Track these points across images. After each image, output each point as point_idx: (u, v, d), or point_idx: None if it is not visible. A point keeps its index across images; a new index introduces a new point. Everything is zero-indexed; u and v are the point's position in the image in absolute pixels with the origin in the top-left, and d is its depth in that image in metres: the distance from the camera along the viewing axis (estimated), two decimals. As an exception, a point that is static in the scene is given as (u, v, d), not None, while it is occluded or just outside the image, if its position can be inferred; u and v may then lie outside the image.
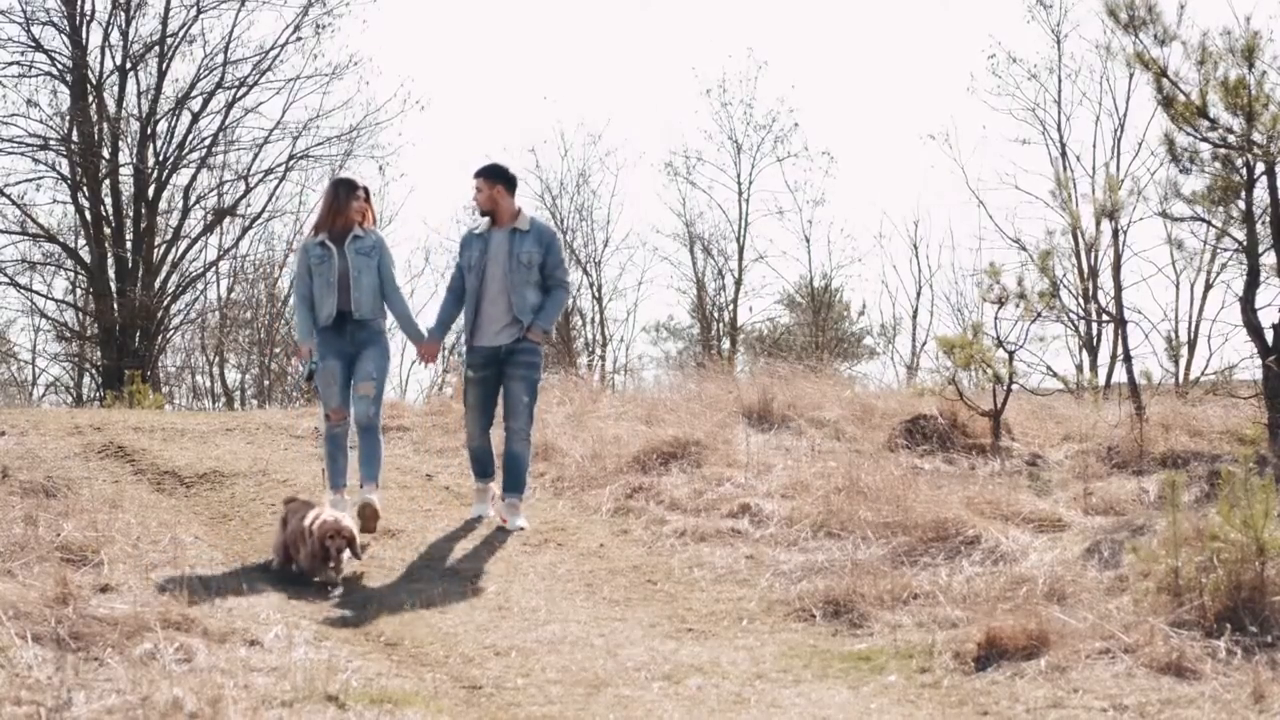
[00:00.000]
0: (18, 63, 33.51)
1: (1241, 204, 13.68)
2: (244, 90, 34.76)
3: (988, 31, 63.23)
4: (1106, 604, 8.77)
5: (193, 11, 34.58)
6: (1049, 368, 17.20)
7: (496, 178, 12.25)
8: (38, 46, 33.41)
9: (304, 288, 12.03)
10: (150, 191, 34.13)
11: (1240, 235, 13.85)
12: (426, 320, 12.65)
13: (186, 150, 34.52)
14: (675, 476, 13.43)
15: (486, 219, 12.34)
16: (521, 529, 12.01)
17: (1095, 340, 33.69)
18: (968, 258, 57.99)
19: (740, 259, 42.00)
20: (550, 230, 12.58)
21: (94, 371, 36.01)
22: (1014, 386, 15.56)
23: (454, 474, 14.46)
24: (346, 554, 10.45)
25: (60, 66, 33.61)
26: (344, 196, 11.97)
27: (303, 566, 10.52)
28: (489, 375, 12.23)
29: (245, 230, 36.56)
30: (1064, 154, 35.81)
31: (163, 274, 34.73)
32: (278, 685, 7.44)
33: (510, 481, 12.28)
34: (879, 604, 9.47)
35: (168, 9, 34.34)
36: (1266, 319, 13.38)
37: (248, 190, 35.38)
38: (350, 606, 9.95)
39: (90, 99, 33.66)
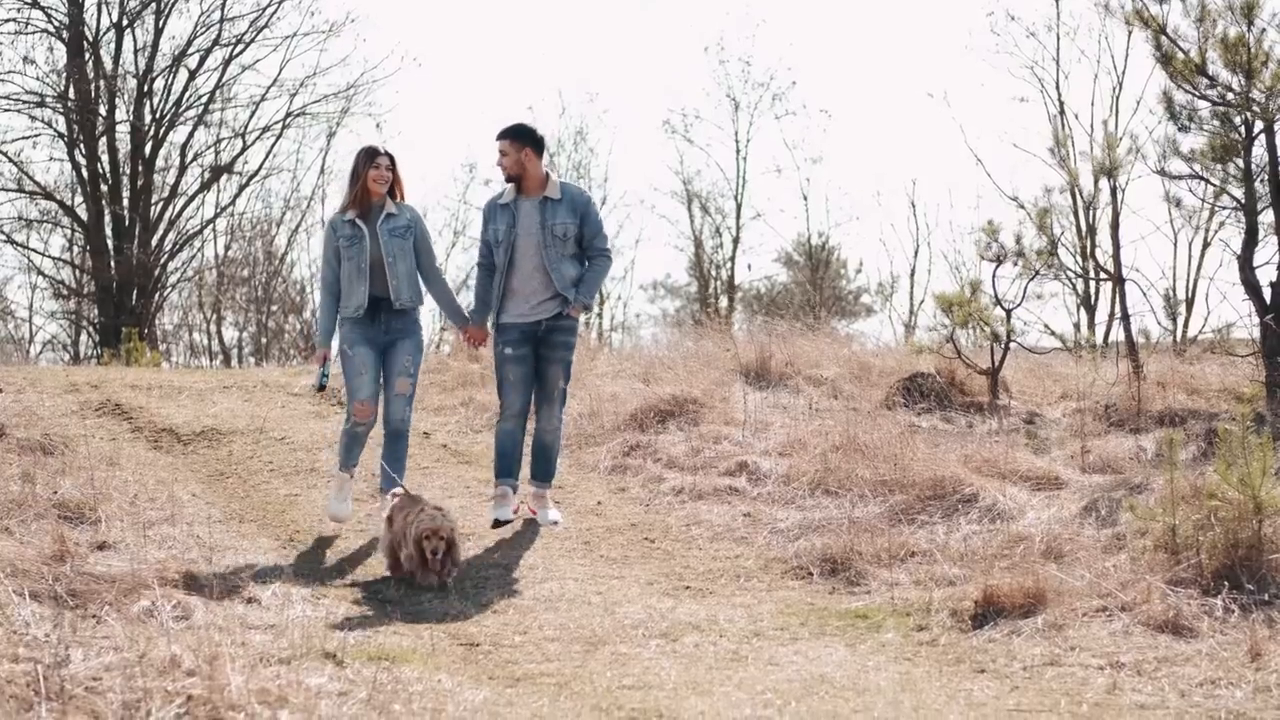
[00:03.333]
0: (14, 19, 33.36)
1: (1240, 162, 13.68)
2: (241, 47, 34.60)
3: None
4: (1104, 562, 8.78)
5: (190, -33, 34.49)
6: (1047, 326, 17.26)
7: (525, 139, 10.87)
8: (34, 3, 33.22)
9: (330, 274, 10.87)
10: (147, 149, 34.01)
11: (1238, 193, 13.84)
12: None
13: (183, 107, 34.39)
14: (673, 434, 13.44)
15: (511, 186, 10.97)
16: (555, 524, 11.02)
17: (1093, 298, 33.73)
18: (966, 216, 58.04)
19: (738, 217, 42.11)
20: (584, 196, 11.16)
21: (91, 329, 35.94)
22: (1012, 345, 15.60)
23: (451, 432, 14.47)
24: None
25: (57, 23, 33.47)
26: (360, 166, 10.80)
27: (405, 570, 9.55)
28: (527, 352, 10.92)
29: (242, 188, 36.51)
30: (1062, 112, 35.82)
31: (160, 231, 34.63)
32: (275, 643, 7.45)
33: (541, 469, 11.20)
34: (876, 562, 9.49)
35: (165, -35, 34.23)
36: (1264, 277, 13.39)
37: (245, 148, 35.28)
38: (347, 565, 9.96)
39: (87, 56, 33.51)
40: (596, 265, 11.04)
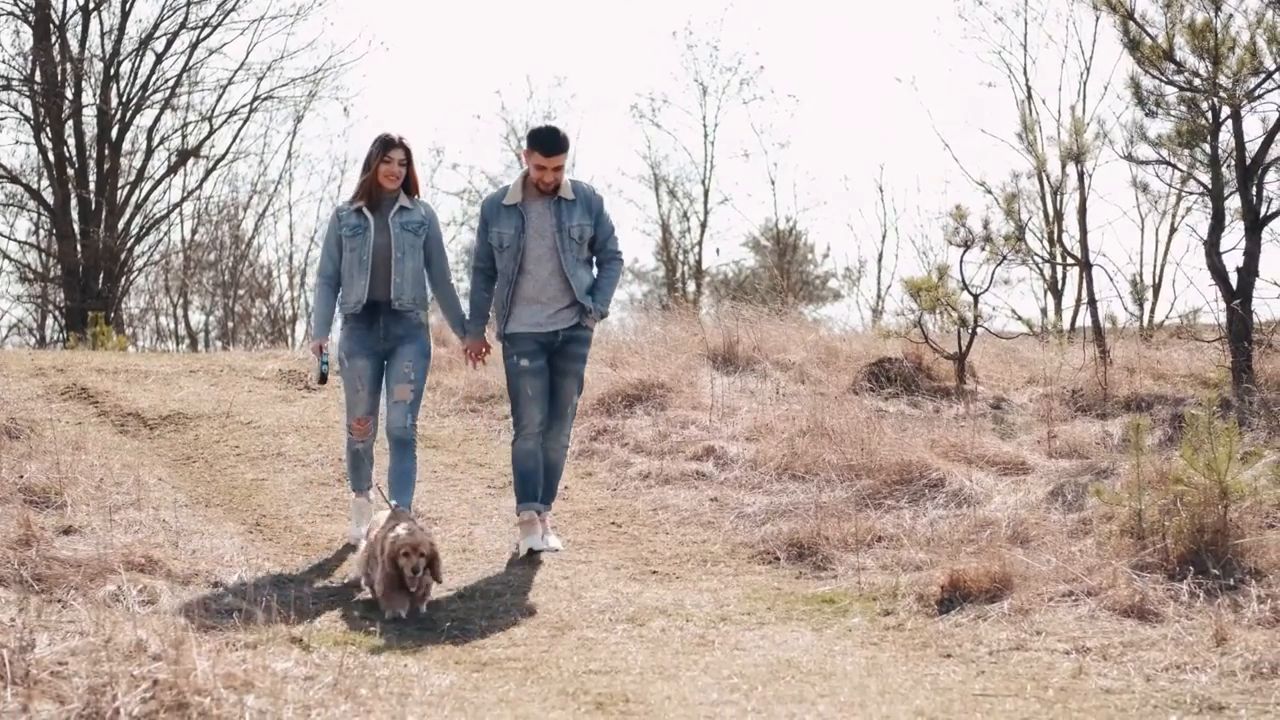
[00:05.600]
0: (-22, 3, 33.18)
1: (1207, 147, 13.71)
2: (208, 30, 34.42)
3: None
4: (1069, 547, 8.80)
5: (156, -50, 34.34)
6: (1014, 311, 17.29)
7: (568, 147, 9.92)
8: (-1, -14, 33.07)
9: (329, 265, 10.00)
10: (114, 132, 33.84)
11: (1205, 179, 13.87)
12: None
13: (150, 91, 34.21)
14: (640, 419, 13.44)
15: (516, 184, 9.97)
16: (556, 550, 9.89)
17: (1060, 283, 33.76)
18: (933, 201, 58.11)
19: (705, 201, 42.04)
20: (598, 195, 10.11)
21: (57, 313, 35.77)
22: (979, 329, 15.62)
23: (423, 419, 14.43)
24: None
25: (23, 6, 33.26)
26: (373, 158, 9.89)
27: (376, 594, 8.55)
28: (544, 364, 9.94)
29: (209, 172, 36.32)
30: (1030, 97, 35.81)
31: (126, 215, 34.46)
32: (241, 627, 7.43)
33: (545, 491, 10.17)
34: (843, 547, 9.50)
35: (131, -52, 34.05)
36: (1231, 262, 13.42)
37: (212, 131, 35.12)
38: (313, 550, 9.93)
39: (53, 39, 33.30)
40: (611, 270, 10.15)
